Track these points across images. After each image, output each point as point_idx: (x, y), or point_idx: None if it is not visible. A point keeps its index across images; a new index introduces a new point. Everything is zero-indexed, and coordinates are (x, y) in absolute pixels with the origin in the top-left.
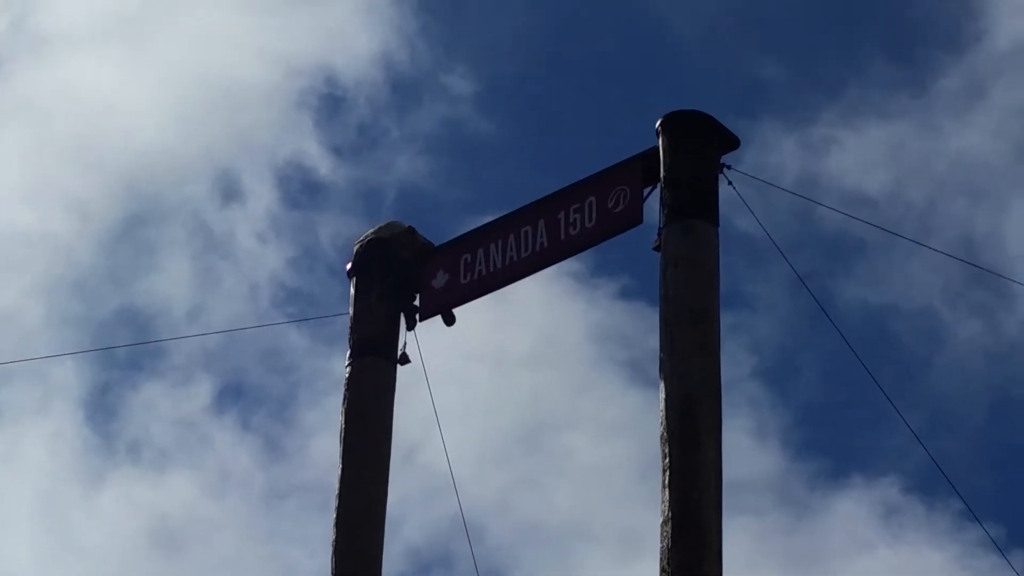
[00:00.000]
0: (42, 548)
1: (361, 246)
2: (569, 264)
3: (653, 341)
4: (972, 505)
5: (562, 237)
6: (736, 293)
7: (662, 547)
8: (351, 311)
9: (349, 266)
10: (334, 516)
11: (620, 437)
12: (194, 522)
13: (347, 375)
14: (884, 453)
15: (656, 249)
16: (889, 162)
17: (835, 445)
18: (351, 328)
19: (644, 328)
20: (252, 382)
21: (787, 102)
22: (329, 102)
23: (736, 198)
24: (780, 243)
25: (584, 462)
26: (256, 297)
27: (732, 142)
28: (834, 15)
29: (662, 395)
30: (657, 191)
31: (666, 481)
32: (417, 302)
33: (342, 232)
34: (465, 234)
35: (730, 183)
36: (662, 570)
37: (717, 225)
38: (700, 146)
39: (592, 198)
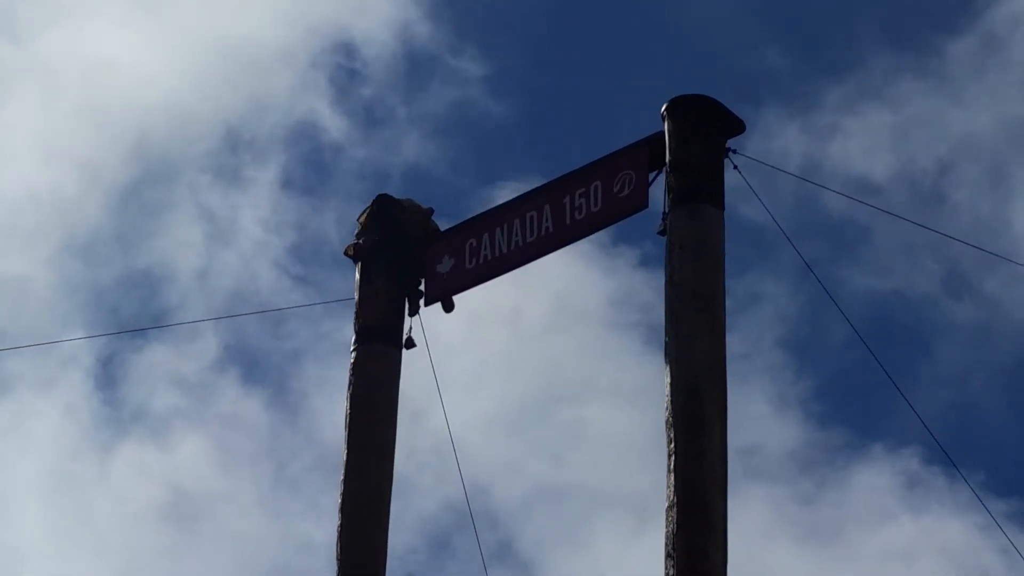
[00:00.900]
0: (54, 518)
1: (367, 225)
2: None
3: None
4: (998, 478)
5: (567, 222)
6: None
7: (667, 532)
8: (356, 296)
9: (356, 242)
10: (339, 502)
11: (636, 404)
12: (207, 492)
13: (352, 360)
14: (906, 424)
15: (661, 233)
16: (893, 147)
17: (856, 416)
18: (356, 314)
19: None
20: (257, 346)
21: (790, 88)
22: (344, 73)
23: (740, 186)
24: (785, 230)
25: (599, 429)
26: (263, 258)
27: (738, 127)
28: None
29: (667, 379)
30: (663, 175)
31: (671, 466)
32: (422, 287)
33: (352, 195)
34: (471, 219)
35: (735, 167)
36: (667, 555)
37: (723, 209)
38: (706, 130)
39: (598, 183)
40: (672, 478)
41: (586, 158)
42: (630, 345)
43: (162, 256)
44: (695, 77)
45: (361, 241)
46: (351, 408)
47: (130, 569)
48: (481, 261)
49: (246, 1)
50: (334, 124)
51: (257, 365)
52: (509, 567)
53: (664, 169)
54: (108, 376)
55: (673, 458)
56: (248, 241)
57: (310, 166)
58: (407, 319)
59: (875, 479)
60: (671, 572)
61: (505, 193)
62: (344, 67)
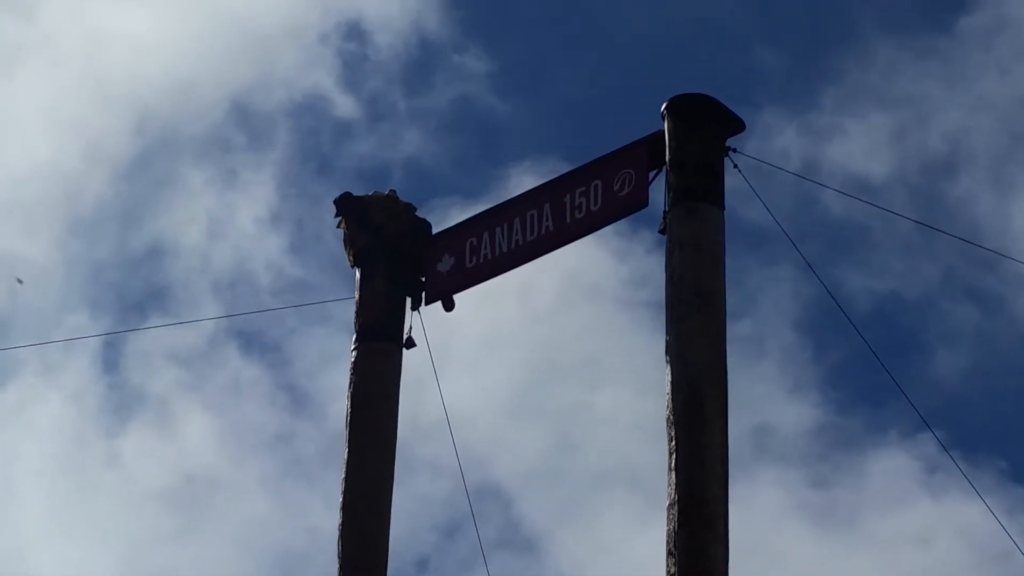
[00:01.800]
0: (59, 503)
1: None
2: None
3: None
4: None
5: (568, 221)
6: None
7: (668, 530)
8: (356, 296)
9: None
10: (340, 500)
11: (647, 385)
12: (213, 475)
13: (352, 359)
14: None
15: (661, 232)
16: (891, 148)
17: (872, 401)
18: (356, 313)
19: None
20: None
21: (788, 89)
22: (353, 55)
23: (739, 187)
24: (785, 229)
25: (606, 410)
26: (266, 235)
27: (737, 125)
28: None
29: (668, 378)
30: (663, 174)
31: (672, 464)
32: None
33: (353, 172)
34: (471, 218)
35: (736, 166)
36: (668, 553)
37: (723, 208)
38: (705, 129)
39: (598, 181)
40: (673, 476)
41: (586, 156)
42: (641, 324)
43: (165, 233)
44: (694, 77)
45: (350, 247)
46: (351, 407)
47: (135, 554)
48: (481, 260)
49: None
50: (341, 102)
51: (257, 340)
52: (515, 548)
53: (664, 168)
54: (111, 359)
55: (674, 456)
56: (251, 217)
57: (315, 143)
58: (407, 318)
59: (891, 464)
60: (672, 570)
61: (507, 189)
62: (353, 51)
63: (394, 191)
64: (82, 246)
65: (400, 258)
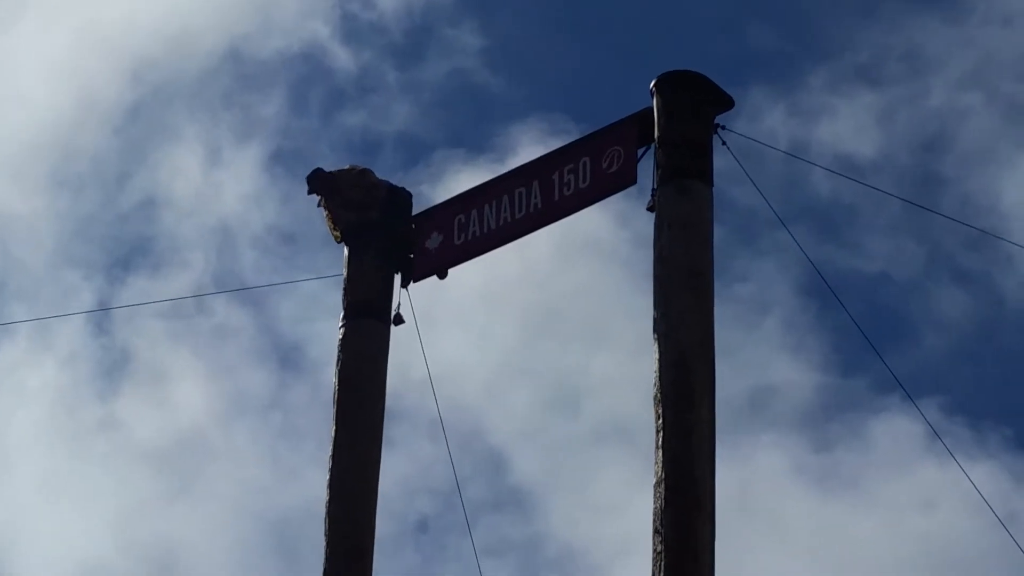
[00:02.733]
0: (54, 467)
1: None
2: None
3: None
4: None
5: (556, 198)
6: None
7: (655, 508)
8: (344, 273)
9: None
10: (327, 479)
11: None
12: (207, 438)
13: (340, 337)
14: (925, 374)
15: (650, 209)
16: (880, 127)
17: (875, 364)
18: (344, 290)
19: None
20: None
21: (776, 69)
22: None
23: (727, 168)
24: (775, 209)
25: (611, 377)
26: (260, 188)
27: (726, 102)
28: None
29: (655, 355)
30: (651, 151)
31: (659, 442)
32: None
33: (350, 126)
34: (459, 195)
35: (724, 144)
36: (655, 531)
37: (711, 186)
38: (695, 106)
39: (586, 158)
40: (660, 454)
41: (575, 134)
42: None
43: (157, 185)
44: (682, 56)
45: (334, 225)
46: (339, 385)
47: (130, 515)
48: (470, 237)
49: None
50: (339, 55)
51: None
52: (508, 508)
53: (653, 145)
54: (104, 318)
55: (661, 434)
56: (244, 170)
57: (311, 95)
58: (395, 295)
59: (894, 427)
60: (659, 548)
61: (509, 147)
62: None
63: (367, 169)
64: (73, 198)
65: (389, 235)
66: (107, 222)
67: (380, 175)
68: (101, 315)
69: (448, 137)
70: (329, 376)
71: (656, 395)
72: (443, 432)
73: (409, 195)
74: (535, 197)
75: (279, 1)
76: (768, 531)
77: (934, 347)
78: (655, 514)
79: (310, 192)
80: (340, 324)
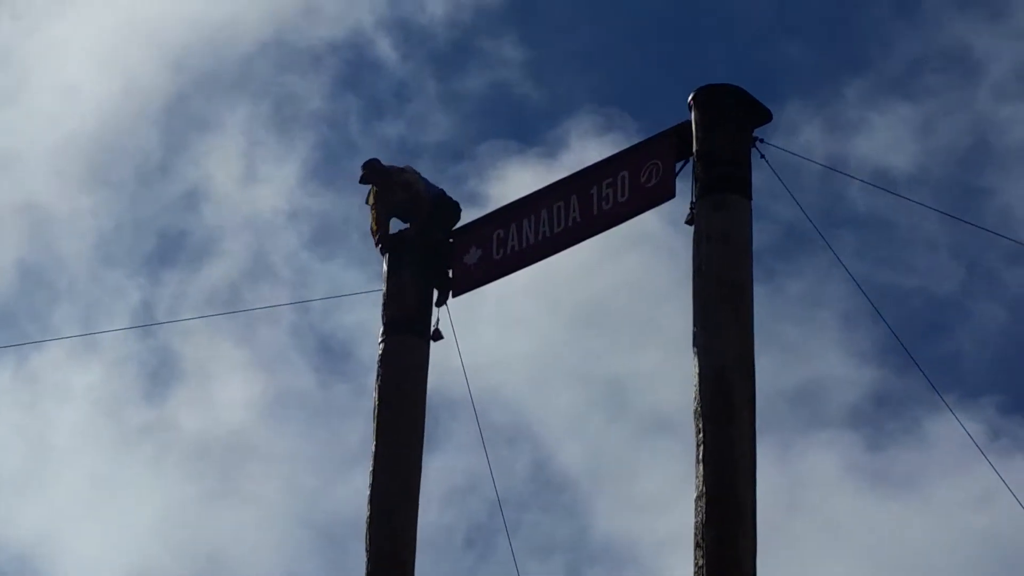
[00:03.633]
0: (97, 471)
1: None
2: None
3: None
4: None
5: (595, 212)
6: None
7: (696, 522)
8: (384, 288)
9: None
10: (368, 493)
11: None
12: (248, 438)
13: (380, 352)
14: (979, 374)
15: (689, 223)
16: (918, 140)
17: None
18: (384, 306)
19: None
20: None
21: (812, 83)
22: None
23: (764, 183)
24: (815, 223)
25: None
26: (303, 174)
27: (765, 115)
28: None
29: (695, 370)
30: (690, 165)
31: (700, 456)
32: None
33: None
34: (498, 209)
35: (763, 156)
36: (696, 545)
37: (750, 199)
38: (733, 119)
39: (625, 172)
40: (701, 468)
41: (612, 149)
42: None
43: (199, 176)
44: (718, 71)
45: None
46: (379, 400)
47: (172, 516)
48: (509, 252)
49: None
50: (381, 46)
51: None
52: (554, 507)
53: (691, 159)
54: (148, 319)
55: (702, 448)
56: (287, 160)
57: (354, 85)
58: (435, 311)
59: (950, 428)
60: (700, 562)
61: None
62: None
63: (418, 176)
64: (115, 191)
65: (428, 250)
66: (148, 216)
67: (428, 168)
68: (145, 316)
69: (496, 130)
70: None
71: (696, 409)
72: (483, 445)
73: (456, 208)
74: (574, 211)
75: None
76: (820, 530)
77: (978, 355)
78: (696, 528)
79: (363, 180)
80: (380, 340)
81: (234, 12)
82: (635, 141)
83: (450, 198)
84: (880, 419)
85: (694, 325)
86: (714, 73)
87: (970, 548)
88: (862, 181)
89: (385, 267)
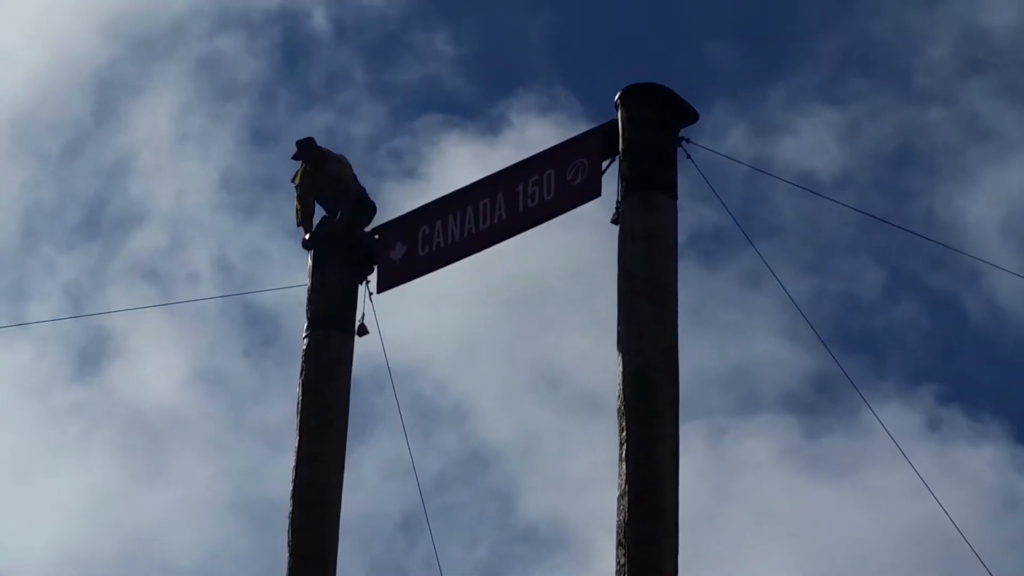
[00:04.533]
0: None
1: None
2: None
3: None
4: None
5: (520, 209)
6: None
7: (619, 520)
8: (308, 283)
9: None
10: (291, 488)
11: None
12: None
13: (304, 347)
14: (920, 363)
15: (614, 222)
16: (841, 144)
17: (868, 352)
18: (308, 300)
19: None
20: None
21: (738, 86)
22: None
23: (689, 184)
24: (740, 224)
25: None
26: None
27: (691, 116)
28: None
29: (619, 368)
30: (616, 164)
31: (623, 455)
32: (374, 274)
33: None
34: (423, 206)
35: (688, 156)
36: (619, 543)
37: (676, 198)
38: (659, 119)
39: (551, 170)
40: (623, 467)
41: (536, 149)
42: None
43: (132, 143)
44: (644, 71)
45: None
46: (303, 395)
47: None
48: (434, 248)
49: None
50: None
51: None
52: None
53: (617, 157)
54: (80, 297)
55: (624, 447)
56: (216, 132)
57: (291, 54)
58: (359, 306)
59: (891, 418)
60: (622, 561)
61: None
62: None
63: (349, 168)
64: (44, 161)
65: (353, 246)
66: (77, 187)
67: (362, 147)
68: (77, 294)
69: (439, 105)
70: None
71: (620, 408)
72: (405, 437)
73: (374, 209)
74: (500, 208)
75: None
76: (758, 516)
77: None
78: (619, 527)
79: (295, 157)
80: (304, 335)
81: None
82: (577, 122)
83: (370, 199)
84: (818, 405)
85: (618, 324)
86: (641, 74)
87: (906, 536)
88: (788, 183)
89: (310, 262)
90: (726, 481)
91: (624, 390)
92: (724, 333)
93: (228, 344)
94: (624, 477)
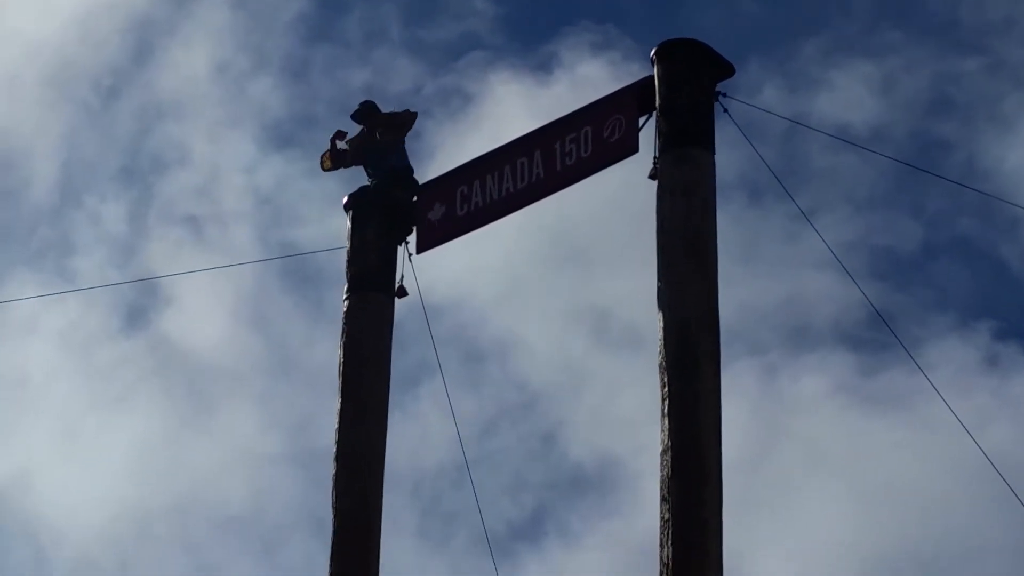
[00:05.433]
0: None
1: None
2: None
3: None
4: None
5: (558, 168)
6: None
7: (662, 476)
8: (347, 245)
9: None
10: (334, 450)
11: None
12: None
13: (345, 309)
14: (978, 298)
15: (652, 177)
16: (879, 97)
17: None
18: (348, 262)
19: None
20: None
21: (772, 41)
22: None
23: (726, 137)
24: (779, 178)
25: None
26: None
27: (727, 70)
28: None
29: (660, 324)
30: (653, 120)
31: (665, 409)
32: (414, 234)
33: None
34: (461, 166)
35: (726, 111)
36: (663, 499)
37: (713, 153)
38: (695, 74)
39: (588, 128)
40: (666, 422)
41: (573, 104)
42: None
43: (166, 89)
44: (679, 27)
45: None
46: (344, 357)
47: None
48: (472, 208)
49: None
50: None
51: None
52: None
53: (654, 113)
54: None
55: (667, 402)
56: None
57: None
58: (399, 267)
59: (949, 352)
60: (666, 516)
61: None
62: None
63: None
64: (78, 109)
65: (392, 207)
66: (116, 132)
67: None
68: (122, 245)
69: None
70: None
71: (661, 363)
72: (449, 405)
73: (415, 183)
74: (537, 167)
75: None
76: (811, 451)
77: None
78: (662, 482)
79: (354, 117)
80: (344, 297)
81: None
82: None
83: (412, 178)
84: (875, 340)
85: (658, 280)
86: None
87: (965, 471)
88: (826, 134)
89: (349, 224)
90: (780, 419)
91: (665, 346)
92: (776, 267)
93: (273, 295)
94: (667, 432)
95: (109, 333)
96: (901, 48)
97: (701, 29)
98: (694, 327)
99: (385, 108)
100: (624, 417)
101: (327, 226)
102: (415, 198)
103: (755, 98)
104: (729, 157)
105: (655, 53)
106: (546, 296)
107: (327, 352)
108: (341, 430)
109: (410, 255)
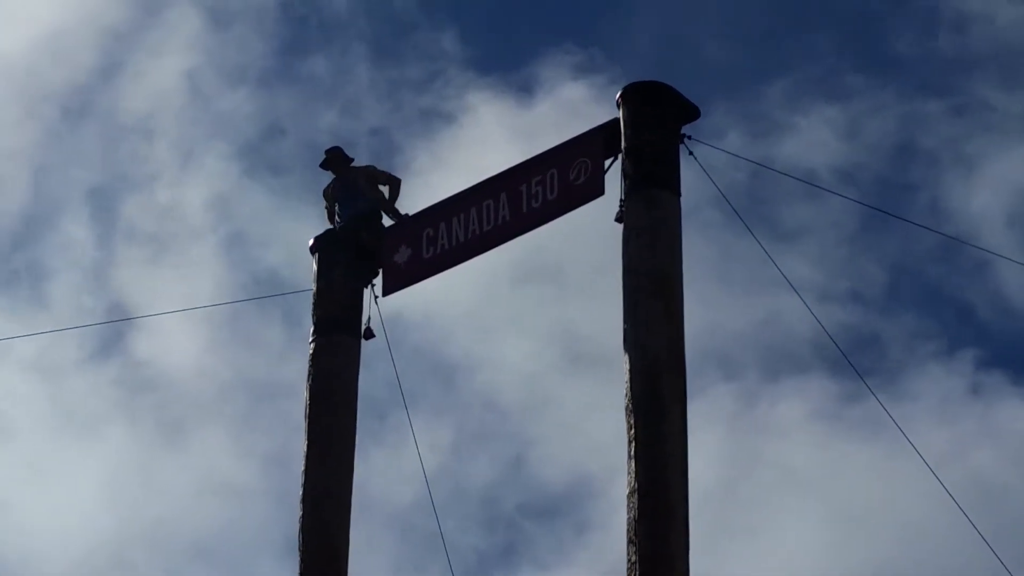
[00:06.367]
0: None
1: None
2: None
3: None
4: None
5: (524, 210)
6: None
7: (629, 518)
8: (314, 288)
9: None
10: (300, 492)
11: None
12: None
13: (311, 351)
14: (962, 327)
15: (618, 220)
16: (842, 141)
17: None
18: (314, 304)
19: None
20: None
21: (736, 85)
22: None
23: (691, 180)
24: (743, 218)
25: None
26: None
27: (692, 113)
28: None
29: (626, 366)
30: (619, 162)
31: (632, 452)
32: (380, 276)
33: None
34: (427, 208)
35: (691, 153)
36: (629, 541)
37: (679, 195)
38: (660, 116)
39: (554, 170)
40: (633, 464)
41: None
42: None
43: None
44: (649, 68)
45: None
46: (311, 399)
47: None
48: (439, 250)
49: None
50: None
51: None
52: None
53: (620, 155)
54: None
55: (633, 444)
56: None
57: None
58: (365, 309)
59: (931, 383)
60: (633, 559)
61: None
62: None
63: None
64: (50, 124)
65: (358, 250)
66: (84, 148)
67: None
68: (94, 266)
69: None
70: None
71: (627, 405)
72: (415, 445)
73: (382, 228)
74: (503, 209)
75: None
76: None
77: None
78: (629, 524)
79: (323, 165)
80: (310, 339)
81: None
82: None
83: (380, 222)
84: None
85: (624, 321)
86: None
87: (940, 499)
88: (792, 177)
89: (315, 267)
90: (756, 446)
91: (631, 388)
92: (752, 291)
93: (247, 322)
94: (633, 475)
95: (80, 361)
96: (865, 91)
97: (667, 72)
98: (660, 369)
99: (360, 143)
100: (596, 438)
101: (298, 244)
102: (382, 241)
103: (721, 141)
104: (697, 199)
105: (620, 96)
106: (516, 316)
107: (300, 378)
108: (307, 472)
109: (376, 297)
